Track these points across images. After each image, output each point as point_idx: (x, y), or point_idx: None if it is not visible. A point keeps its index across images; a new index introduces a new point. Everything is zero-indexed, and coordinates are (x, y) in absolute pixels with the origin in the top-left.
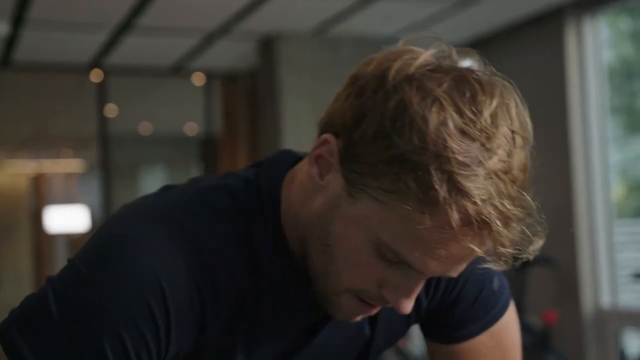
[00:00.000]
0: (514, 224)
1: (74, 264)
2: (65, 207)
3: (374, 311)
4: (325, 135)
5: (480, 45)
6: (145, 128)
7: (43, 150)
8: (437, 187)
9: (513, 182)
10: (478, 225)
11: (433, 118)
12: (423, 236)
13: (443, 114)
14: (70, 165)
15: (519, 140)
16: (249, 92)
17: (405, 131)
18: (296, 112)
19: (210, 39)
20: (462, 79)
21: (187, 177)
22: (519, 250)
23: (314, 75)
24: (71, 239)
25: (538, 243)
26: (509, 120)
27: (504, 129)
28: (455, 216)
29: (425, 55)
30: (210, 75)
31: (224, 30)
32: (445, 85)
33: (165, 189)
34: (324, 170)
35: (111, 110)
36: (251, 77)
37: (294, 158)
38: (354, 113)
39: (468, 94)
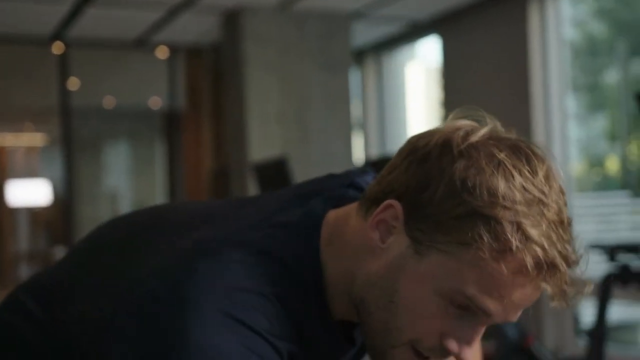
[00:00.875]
0: (571, 263)
1: None
2: (27, 181)
3: None
4: (389, 201)
5: (445, 21)
6: (108, 102)
7: (4, 124)
8: (509, 236)
9: (567, 230)
10: (547, 268)
11: (500, 177)
12: (498, 283)
13: (508, 174)
14: (32, 138)
15: (564, 197)
16: (213, 66)
17: (475, 189)
18: (261, 87)
19: (174, 12)
20: (516, 147)
21: (151, 152)
22: (576, 290)
23: (279, 50)
24: (33, 213)
25: (589, 284)
26: (556, 180)
27: (555, 187)
28: (529, 261)
29: (483, 127)
30: (174, 49)
31: (188, 3)
32: (504, 152)
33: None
34: (385, 235)
35: (73, 83)
36: (215, 51)
37: (323, 210)
38: (419, 178)
39: (524, 159)
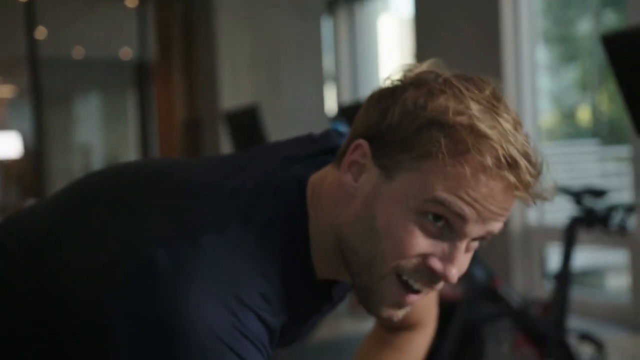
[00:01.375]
0: (534, 161)
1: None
2: None
3: (416, 299)
4: (356, 141)
5: None
6: (77, 52)
7: None
8: (465, 137)
9: (521, 131)
10: (507, 163)
11: (448, 91)
12: (463, 183)
13: (457, 91)
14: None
15: (514, 112)
16: (183, 15)
17: (427, 103)
18: (232, 35)
19: None
20: (461, 74)
21: (122, 104)
22: (542, 187)
23: None
24: (3, 166)
25: (554, 183)
26: (504, 97)
27: (503, 102)
28: (488, 158)
29: (423, 66)
30: None
31: None
32: (451, 76)
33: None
34: (357, 174)
35: (41, 33)
36: (185, 0)
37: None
38: (378, 112)
39: (470, 81)
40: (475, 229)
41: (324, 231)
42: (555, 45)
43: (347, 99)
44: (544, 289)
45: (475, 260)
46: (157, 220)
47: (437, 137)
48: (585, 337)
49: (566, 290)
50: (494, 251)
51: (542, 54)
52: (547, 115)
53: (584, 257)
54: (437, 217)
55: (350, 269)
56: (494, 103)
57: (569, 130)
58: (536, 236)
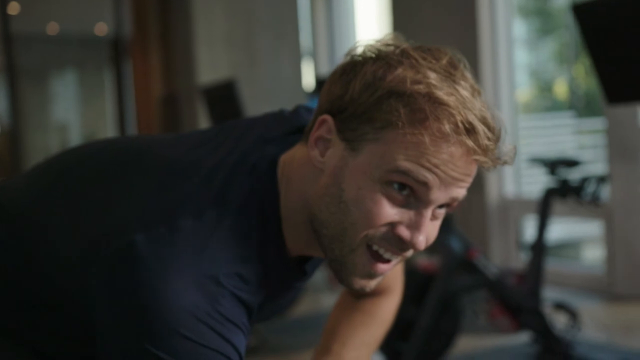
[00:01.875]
0: (492, 126)
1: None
2: None
3: (386, 269)
4: (321, 117)
5: None
6: (52, 28)
7: None
8: (423, 105)
9: (478, 97)
10: (465, 129)
11: (406, 62)
12: (424, 151)
13: (414, 61)
14: None
15: (472, 79)
16: None
17: (386, 74)
18: (207, 10)
19: None
20: (418, 45)
21: (98, 80)
22: (500, 150)
23: None
24: None
25: (512, 146)
26: (462, 65)
27: (460, 70)
28: (446, 124)
29: (382, 40)
30: None
31: None
32: (408, 47)
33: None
34: (324, 149)
35: (14, 8)
36: None
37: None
38: (340, 87)
39: (427, 51)
40: (439, 196)
41: (295, 208)
42: (533, 18)
43: (325, 73)
44: (521, 260)
45: (451, 231)
46: (136, 202)
47: (397, 106)
48: (560, 306)
49: (541, 261)
50: (471, 223)
51: (520, 28)
52: (525, 89)
53: (561, 229)
54: (402, 185)
55: (321, 243)
56: (451, 71)
57: (547, 103)
58: (513, 208)
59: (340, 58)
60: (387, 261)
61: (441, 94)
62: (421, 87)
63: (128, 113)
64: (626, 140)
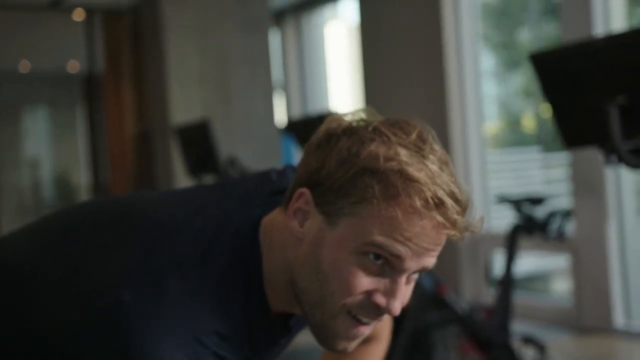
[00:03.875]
0: (460, 199)
1: None
2: None
3: (367, 330)
4: (299, 190)
5: None
6: (24, 66)
7: None
8: (395, 182)
9: (448, 171)
10: (435, 204)
11: (377, 139)
12: (397, 225)
13: (385, 138)
14: None
15: (440, 150)
16: (132, 28)
17: (360, 151)
18: (180, 49)
19: None
20: (388, 119)
21: (71, 117)
22: (467, 221)
23: (198, 11)
24: None
25: (480, 217)
26: (430, 137)
27: (429, 143)
28: (417, 200)
29: (355, 114)
30: (90, 11)
31: None
32: (379, 123)
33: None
34: (302, 220)
35: None
36: (134, 13)
37: (256, 216)
38: (316, 160)
39: (397, 126)
40: (412, 265)
41: (277, 270)
42: (500, 51)
43: (297, 109)
44: (491, 295)
45: None
46: (126, 260)
47: (371, 183)
48: (528, 340)
49: (509, 295)
50: (443, 259)
51: (489, 60)
52: (494, 122)
53: (530, 262)
54: (377, 256)
55: (302, 308)
56: (421, 146)
57: (515, 137)
58: (483, 243)
59: (312, 92)
60: (367, 324)
61: (412, 170)
62: (393, 164)
63: (101, 150)
64: (590, 175)
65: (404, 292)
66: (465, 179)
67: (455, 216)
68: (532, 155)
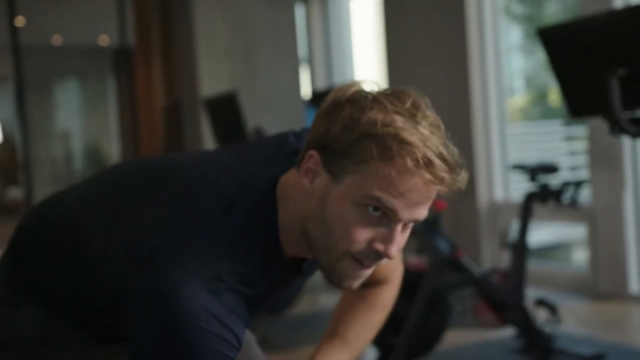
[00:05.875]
0: (448, 159)
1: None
2: None
3: (368, 272)
4: (309, 152)
5: None
6: (56, 40)
7: None
8: (391, 145)
9: (438, 134)
10: (425, 163)
11: (376, 108)
12: (392, 182)
13: (382, 106)
14: None
15: (432, 116)
16: (161, 2)
17: (361, 118)
18: (208, 23)
19: None
20: (386, 91)
21: (102, 90)
22: (454, 179)
23: None
24: None
25: (464, 174)
26: (423, 104)
27: (422, 109)
28: (409, 160)
29: (358, 85)
30: None
31: None
32: (377, 93)
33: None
34: (312, 178)
35: (19, 21)
36: None
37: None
38: (324, 126)
39: (394, 96)
40: (405, 215)
41: (291, 221)
42: (527, 25)
43: (322, 82)
44: (506, 261)
45: (438, 233)
46: (160, 213)
47: (370, 146)
48: (541, 302)
49: (523, 260)
50: (463, 227)
51: (516, 33)
52: (521, 96)
53: (551, 233)
54: (376, 208)
55: (313, 252)
56: (414, 112)
57: (541, 110)
58: (502, 212)
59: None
60: (368, 266)
61: (405, 134)
62: (390, 130)
63: (131, 122)
64: (607, 146)
65: (400, 239)
66: (486, 150)
67: (443, 174)
68: (555, 128)
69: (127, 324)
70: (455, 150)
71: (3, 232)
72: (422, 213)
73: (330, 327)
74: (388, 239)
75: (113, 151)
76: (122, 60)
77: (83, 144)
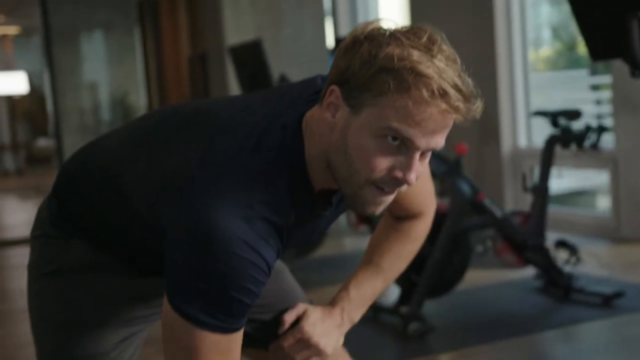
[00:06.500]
0: (462, 89)
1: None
2: (3, 72)
3: (390, 198)
4: (331, 87)
5: None
6: None
7: None
8: (407, 77)
9: (454, 67)
10: (440, 94)
11: (393, 43)
12: (409, 112)
13: (399, 41)
14: (4, 29)
15: (448, 50)
16: None
17: (379, 54)
18: None
19: None
20: (403, 27)
21: (128, 41)
22: (469, 108)
23: None
24: (11, 105)
25: (479, 103)
26: (439, 39)
27: (438, 43)
28: (424, 91)
29: (376, 23)
30: None
31: None
32: (395, 29)
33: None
34: (334, 112)
35: None
36: None
37: (302, 110)
38: (344, 62)
39: (411, 32)
40: (422, 144)
41: (316, 156)
42: None
43: (346, 33)
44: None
45: (460, 176)
46: (197, 149)
47: (387, 79)
48: (561, 243)
49: (544, 202)
50: (487, 172)
51: None
52: (549, 46)
53: (575, 179)
54: (394, 138)
55: (337, 182)
56: (430, 47)
57: (570, 59)
58: (525, 157)
59: (361, 17)
60: (390, 192)
61: (421, 67)
62: (406, 63)
63: (158, 72)
64: (630, 93)
65: (418, 167)
66: (510, 98)
67: (458, 103)
68: (581, 77)
69: (165, 256)
70: (470, 81)
71: (35, 179)
72: (439, 142)
73: (366, 256)
74: (407, 167)
75: (140, 101)
76: (148, 12)
77: (110, 95)
